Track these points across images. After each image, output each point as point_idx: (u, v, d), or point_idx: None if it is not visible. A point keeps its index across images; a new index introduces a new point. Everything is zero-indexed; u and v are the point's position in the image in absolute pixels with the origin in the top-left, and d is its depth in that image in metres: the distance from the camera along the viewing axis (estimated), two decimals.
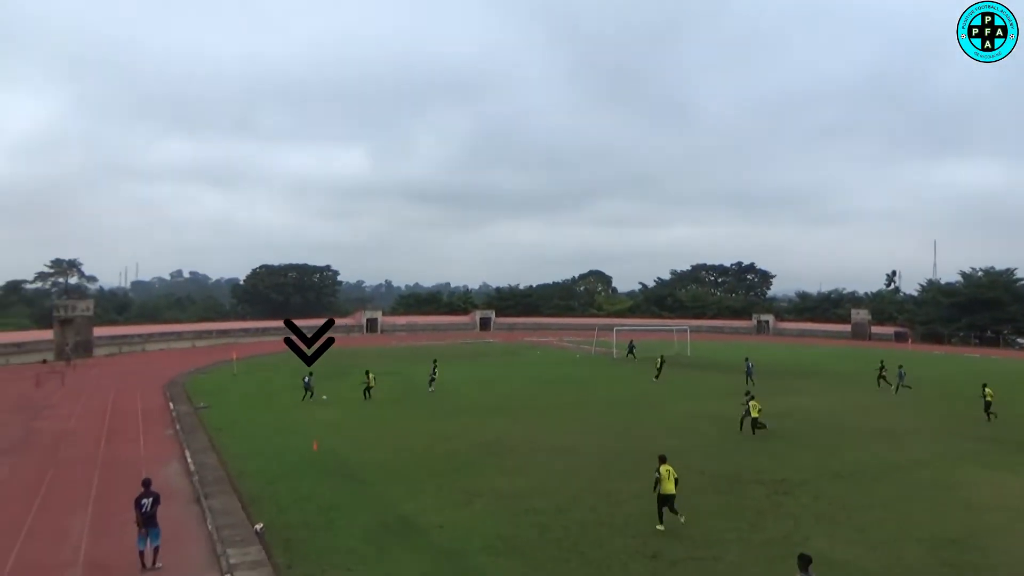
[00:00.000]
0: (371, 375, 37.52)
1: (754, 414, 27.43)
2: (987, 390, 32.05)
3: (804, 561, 11.40)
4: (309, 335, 19.89)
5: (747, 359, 45.54)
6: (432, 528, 16.78)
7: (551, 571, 14.26)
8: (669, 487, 16.79)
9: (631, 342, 60.75)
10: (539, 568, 14.41)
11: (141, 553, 14.61)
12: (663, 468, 16.95)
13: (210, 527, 16.77)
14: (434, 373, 40.19)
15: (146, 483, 15.38)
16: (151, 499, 14.75)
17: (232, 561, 14.60)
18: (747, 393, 30.59)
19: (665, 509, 16.78)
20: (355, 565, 14.48)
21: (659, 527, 16.60)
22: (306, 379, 36.62)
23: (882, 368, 42.37)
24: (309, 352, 19.26)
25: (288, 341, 19.86)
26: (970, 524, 17.38)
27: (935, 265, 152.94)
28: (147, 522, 14.58)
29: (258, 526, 16.60)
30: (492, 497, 19.19)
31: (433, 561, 14.78)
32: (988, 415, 31.46)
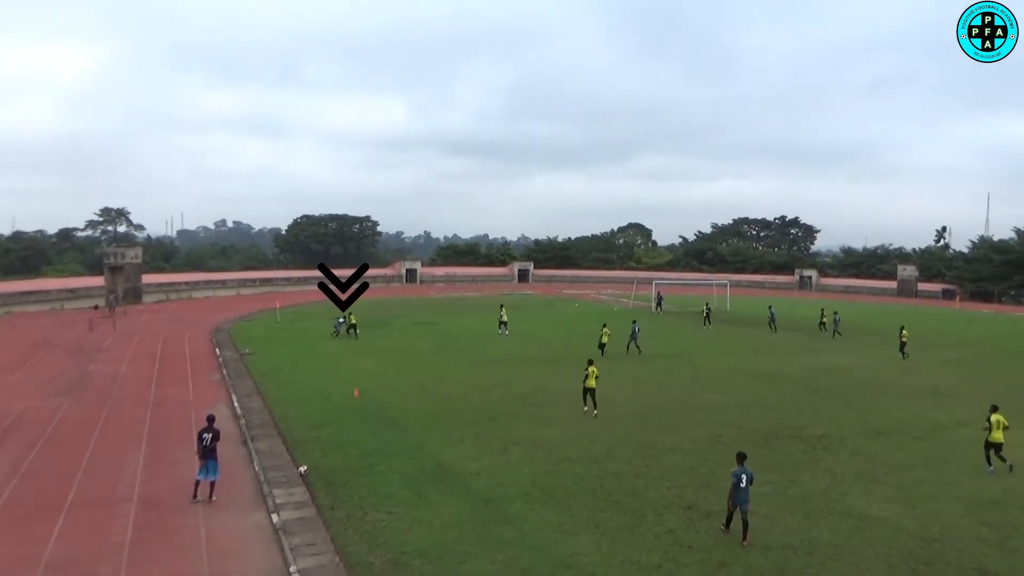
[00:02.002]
0: (352, 315, 39.65)
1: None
2: (904, 332, 36.84)
3: (740, 458, 13.95)
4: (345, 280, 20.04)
5: (770, 307, 48.58)
6: (470, 475, 17.13)
7: (586, 519, 14.50)
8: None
9: (659, 294, 60.23)
10: (574, 516, 14.66)
11: (197, 483, 15.29)
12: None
13: (257, 468, 17.38)
14: (503, 317, 43.32)
15: (210, 419, 15.98)
16: (211, 435, 15.33)
17: (278, 501, 15.15)
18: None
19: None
20: (395, 508, 14.90)
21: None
22: (338, 320, 40.82)
23: (823, 315, 46.11)
24: (343, 297, 19.46)
25: (322, 286, 20.08)
26: (1012, 485, 17.11)
27: (987, 221, 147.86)
28: (206, 455, 15.22)
29: (302, 468, 17.15)
30: (529, 446, 19.48)
31: (471, 506, 15.13)
32: (902, 354, 35.77)
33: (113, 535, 13.57)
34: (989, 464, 18.07)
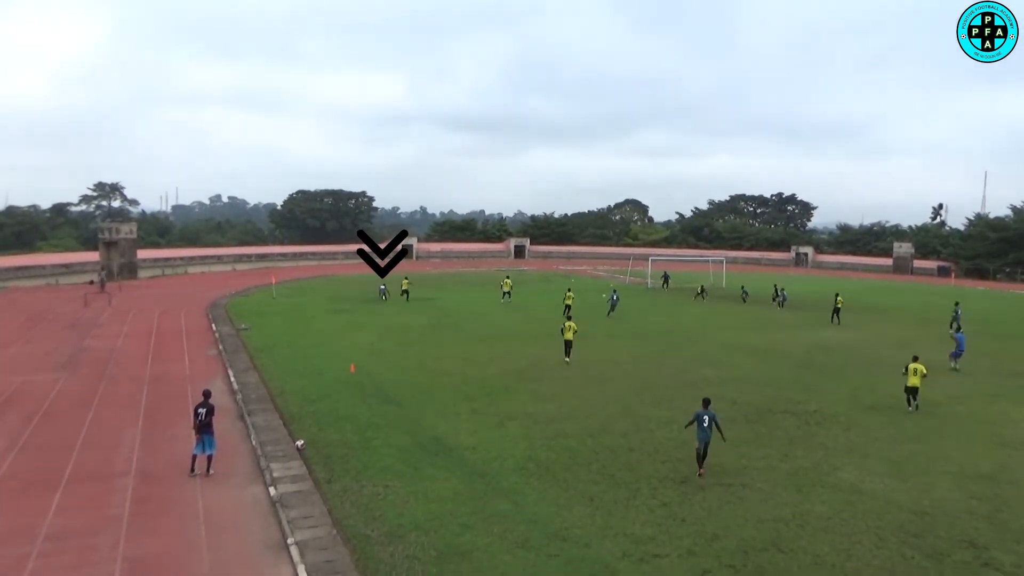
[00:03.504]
0: (408, 280, 48.09)
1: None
2: (838, 298, 40.94)
3: (705, 402, 16.19)
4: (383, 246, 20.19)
5: (776, 285, 50.69)
6: (465, 449, 17.25)
7: (581, 492, 14.63)
8: None
9: (665, 273, 60.53)
10: (569, 489, 14.80)
11: (194, 457, 15.39)
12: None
13: (254, 442, 17.47)
14: (507, 288, 47.72)
15: (206, 394, 16.05)
16: (207, 409, 15.39)
17: (276, 474, 15.25)
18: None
19: None
20: (391, 481, 15.01)
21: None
22: (382, 287, 45.85)
23: (776, 289, 49.49)
24: (383, 264, 19.56)
25: (361, 252, 20.13)
26: (1003, 460, 17.31)
27: (984, 199, 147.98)
28: (202, 430, 15.29)
29: (299, 442, 17.24)
30: (525, 421, 19.59)
31: (466, 480, 15.25)
32: (834, 317, 40.05)
33: (112, 508, 13.67)
34: (909, 405, 21.57)
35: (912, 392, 21.58)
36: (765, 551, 12.22)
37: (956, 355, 28.17)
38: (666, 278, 59.91)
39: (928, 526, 13.37)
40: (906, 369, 21.86)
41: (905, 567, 11.77)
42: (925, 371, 21.70)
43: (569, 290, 42.70)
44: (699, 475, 15.58)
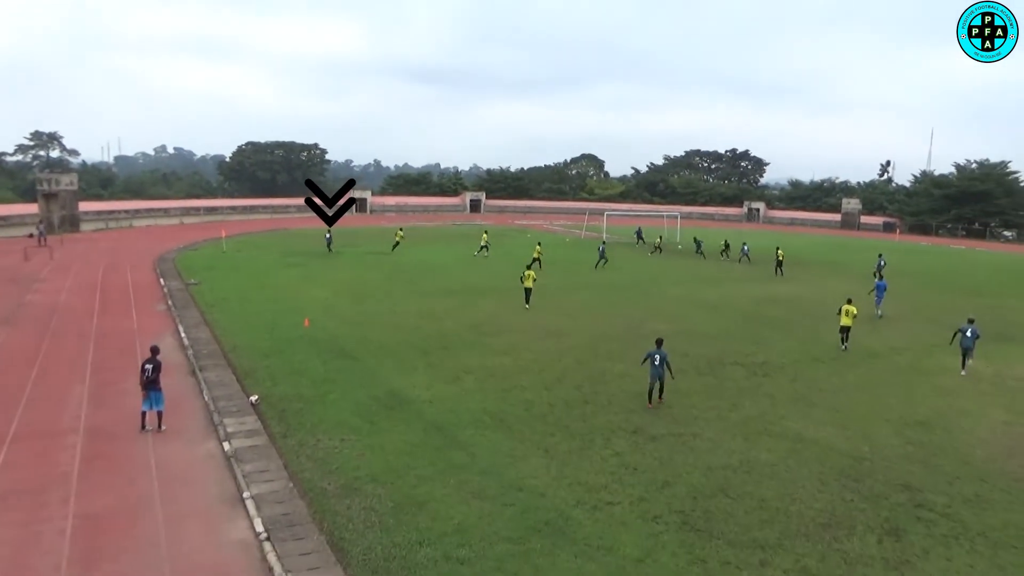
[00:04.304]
0: (402, 231, 51.29)
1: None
2: (779, 252, 43.32)
3: (658, 342, 17.54)
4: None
5: (744, 244, 50.76)
6: (422, 403, 17.33)
7: (536, 444, 14.88)
8: None
9: (639, 228, 60.33)
10: (525, 441, 15.03)
11: (143, 414, 15.15)
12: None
13: (206, 398, 17.25)
14: (484, 241, 49.05)
15: (153, 350, 15.70)
16: (153, 365, 15.07)
17: (230, 430, 15.13)
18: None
19: None
20: (348, 435, 15.03)
21: None
22: (328, 235, 45.91)
23: (725, 245, 51.89)
24: (330, 212, 19.27)
25: (309, 202, 19.81)
26: (939, 407, 18.13)
27: (930, 156, 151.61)
28: (148, 386, 14.99)
29: (253, 397, 17.09)
30: (481, 375, 19.73)
31: (423, 433, 15.35)
32: (777, 270, 42.14)
33: (60, 465, 13.42)
34: (842, 344, 24.01)
35: (845, 331, 23.99)
36: (713, 497, 12.66)
37: (878, 300, 30.36)
38: (639, 234, 59.47)
39: (867, 471, 14.00)
40: (840, 310, 24.15)
41: (845, 509, 12.33)
42: (856, 312, 24.02)
43: (539, 244, 43.50)
44: (647, 407, 17.20)
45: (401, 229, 52.64)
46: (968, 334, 21.28)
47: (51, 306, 28.28)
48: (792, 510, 12.24)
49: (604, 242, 47.70)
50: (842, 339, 24.15)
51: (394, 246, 49.03)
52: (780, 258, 42.95)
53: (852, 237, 77.50)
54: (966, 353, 21.40)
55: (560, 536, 11.11)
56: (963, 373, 21.26)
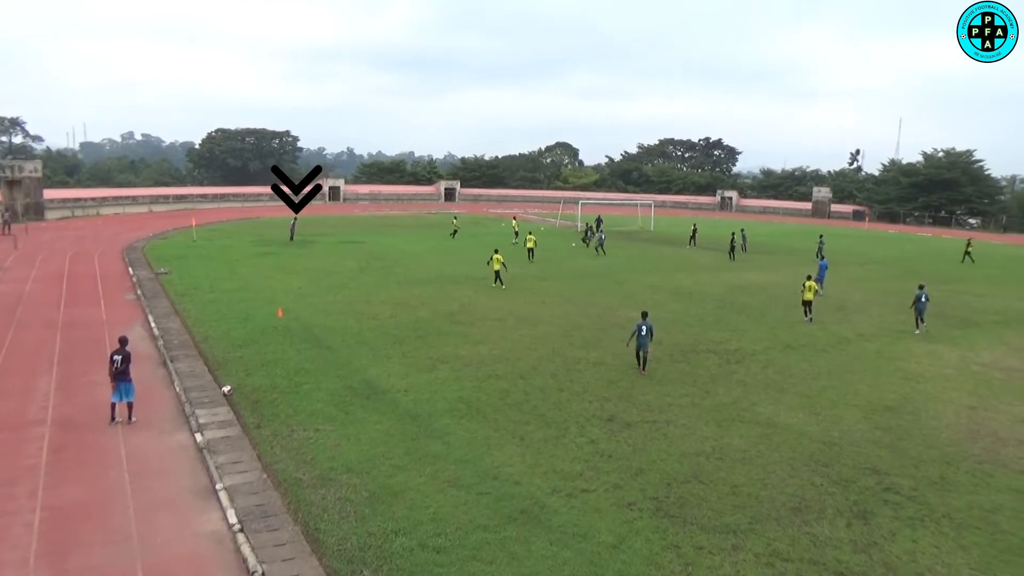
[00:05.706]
0: (456, 219, 53.57)
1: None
2: (735, 236, 44.87)
3: (644, 315, 19.17)
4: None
5: (742, 230, 49.92)
6: (397, 392, 17.28)
7: (512, 432, 14.92)
8: None
9: (599, 216, 60.53)
10: (500, 429, 15.07)
11: (113, 406, 14.88)
12: None
13: (178, 389, 17.04)
14: (455, 223, 50.49)
15: (122, 340, 15.35)
16: (122, 356, 14.77)
17: (202, 421, 14.96)
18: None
19: None
20: (322, 425, 14.96)
21: None
22: (292, 223, 44.69)
23: (694, 229, 52.69)
24: (297, 199, 19.07)
25: (275, 188, 19.59)
26: (906, 392, 18.49)
27: (899, 144, 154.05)
28: (118, 377, 14.72)
29: (226, 388, 16.92)
30: (456, 364, 19.72)
31: (398, 422, 15.32)
32: (731, 255, 43.74)
33: (28, 457, 13.19)
34: (805, 316, 26.44)
35: (807, 305, 26.55)
36: (687, 483, 12.81)
37: (819, 280, 31.75)
38: (599, 221, 59.74)
39: (836, 455, 14.25)
40: (803, 286, 26.92)
41: (815, 493, 12.55)
42: (817, 287, 27.47)
43: (531, 233, 43.44)
44: (640, 374, 18.91)
45: (456, 217, 54.97)
46: (923, 300, 25.14)
47: (16, 296, 27.69)
48: (763, 495, 12.43)
49: (588, 227, 51.02)
50: (805, 311, 26.56)
51: (453, 233, 50.92)
52: (734, 243, 44.60)
53: (823, 225, 78.48)
54: (919, 315, 25.28)
55: (535, 524, 11.17)
56: (916, 332, 24.90)
